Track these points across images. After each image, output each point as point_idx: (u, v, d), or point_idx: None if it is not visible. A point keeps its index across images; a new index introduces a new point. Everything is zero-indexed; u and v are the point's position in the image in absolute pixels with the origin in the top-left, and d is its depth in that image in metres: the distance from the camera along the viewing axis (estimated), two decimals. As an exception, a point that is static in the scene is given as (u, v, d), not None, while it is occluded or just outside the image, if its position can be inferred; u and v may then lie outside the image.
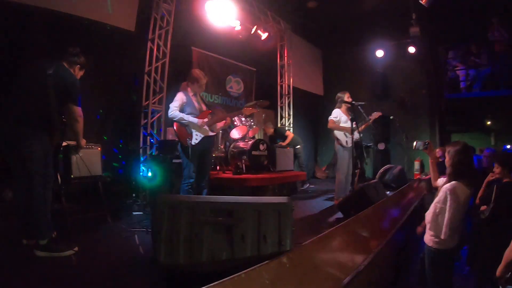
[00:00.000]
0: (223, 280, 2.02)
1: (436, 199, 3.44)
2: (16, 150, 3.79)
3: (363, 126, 7.16)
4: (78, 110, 4.08)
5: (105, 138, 7.06)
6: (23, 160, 3.78)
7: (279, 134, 10.63)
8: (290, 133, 10.69)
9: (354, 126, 6.17)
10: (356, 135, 6.52)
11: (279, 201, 2.93)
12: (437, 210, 3.36)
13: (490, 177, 4.50)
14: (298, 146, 10.46)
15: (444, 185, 3.41)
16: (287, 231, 2.79)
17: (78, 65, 4.29)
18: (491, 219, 3.92)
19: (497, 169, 4.18)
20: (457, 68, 12.02)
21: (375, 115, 7.23)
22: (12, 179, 3.95)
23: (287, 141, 10.34)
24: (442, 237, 3.29)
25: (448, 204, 3.26)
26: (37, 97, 3.85)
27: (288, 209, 2.84)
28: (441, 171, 3.79)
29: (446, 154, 3.51)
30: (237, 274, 2.12)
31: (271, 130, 10.58)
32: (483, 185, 4.55)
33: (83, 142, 4.42)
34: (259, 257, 2.68)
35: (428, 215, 3.49)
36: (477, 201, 4.43)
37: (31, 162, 3.78)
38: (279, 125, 12.22)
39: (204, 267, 2.77)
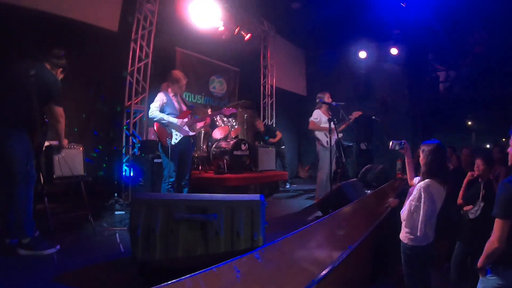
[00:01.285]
0: (194, 274, 2.08)
1: (410, 197, 3.50)
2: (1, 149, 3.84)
3: (343, 126, 7.26)
4: (60, 111, 4.12)
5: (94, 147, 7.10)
6: (6, 160, 3.81)
7: (270, 131, 10.68)
8: (279, 133, 10.77)
9: (332, 126, 6.24)
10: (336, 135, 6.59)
11: (252, 198, 3.00)
12: (412, 208, 3.41)
13: (470, 176, 4.50)
14: (283, 147, 10.56)
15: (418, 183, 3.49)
16: (260, 227, 2.87)
17: (61, 68, 4.29)
18: (483, 218, 3.92)
19: (482, 166, 4.17)
20: (438, 70, 12.19)
21: (356, 114, 7.32)
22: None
23: (277, 138, 10.47)
24: (418, 234, 3.37)
25: (422, 201, 3.34)
26: (19, 98, 3.87)
27: (260, 206, 2.91)
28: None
29: (421, 153, 3.57)
30: (209, 268, 2.18)
31: (261, 125, 10.66)
32: (464, 185, 4.54)
33: (65, 142, 4.44)
34: (233, 252, 2.76)
35: (404, 213, 3.55)
36: (460, 201, 4.43)
37: (13, 162, 3.81)
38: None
39: (180, 263, 2.84)
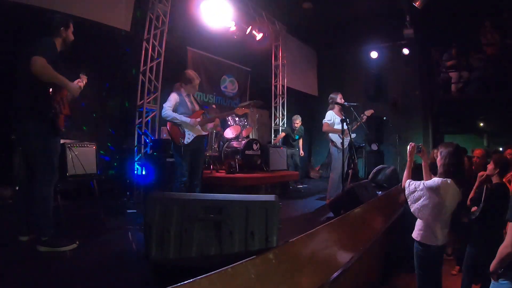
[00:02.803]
0: (210, 273, 2.09)
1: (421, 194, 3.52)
2: (22, 147, 3.86)
3: (355, 126, 7.27)
4: (39, 61, 3.55)
5: (108, 143, 7.13)
6: (27, 157, 3.84)
7: (302, 132, 10.74)
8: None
9: (345, 127, 6.22)
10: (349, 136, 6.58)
11: (267, 199, 3.00)
12: (422, 206, 3.44)
13: (479, 177, 4.46)
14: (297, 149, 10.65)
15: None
16: (274, 228, 2.87)
17: (62, 27, 4.02)
18: (481, 219, 3.93)
19: (490, 166, 4.15)
20: (450, 70, 12.09)
21: (368, 112, 7.33)
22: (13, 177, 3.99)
23: (300, 143, 10.70)
24: (428, 232, 3.41)
25: (425, 199, 3.38)
26: (28, 89, 3.74)
27: (275, 206, 2.92)
28: (434, 173, 3.84)
29: (438, 154, 3.57)
30: (224, 268, 2.20)
31: (299, 124, 10.63)
32: (474, 187, 4.50)
33: (71, 84, 4.00)
34: (246, 253, 2.76)
35: (416, 210, 3.55)
36: (468, 202, 4.41)
37: (32, 159, 3.83)
38: (273, 125, 12.30)
39: (194, 262, 2.85)
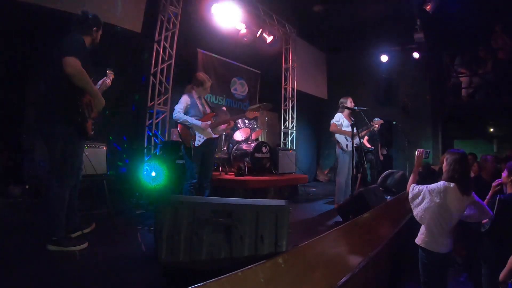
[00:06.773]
0: (220, 277, 2.10)
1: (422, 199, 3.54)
2: (47, 147, 3.88)
3: (364, 132, 7.25)
4: (69, 60, 3.55)
5: (110, 138, 7.13)
6: (49, 156, 3.87)
7: None
8: None
9: (355, 131, 6.22)
10: (357, 140, 6.54)
11: (277, 203, 3.02)
12: (425, 210, 3.45)
13: (494, 188, 4.30)
14: None
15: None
16: (284, 233, 2.89)
17: (95, 27, 4.09)
18: (492, 232, 3.83)
19: (504, 173, 4.04)
20: (460, 75, 12.03)
21: (378, 122, 7.30)
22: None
23: None
24: (429, 236, 3.41)
25: (427, 202, 3.40)
26: (48, 89, 3.80)
27: (285, 211, 2.94)
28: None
29: (444, 161, 3.57)
30: (234, 272, 2.21)
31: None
32: (488, 197, 4.35)
33: (100, 98, 4.03)
34: (256, 257, 2.78)
35: (418, 215, 3.55)
36: None
37: (51, 160, 3.87)
38: (282, 127, 12.29)
39: (203, 265, 2.87)
